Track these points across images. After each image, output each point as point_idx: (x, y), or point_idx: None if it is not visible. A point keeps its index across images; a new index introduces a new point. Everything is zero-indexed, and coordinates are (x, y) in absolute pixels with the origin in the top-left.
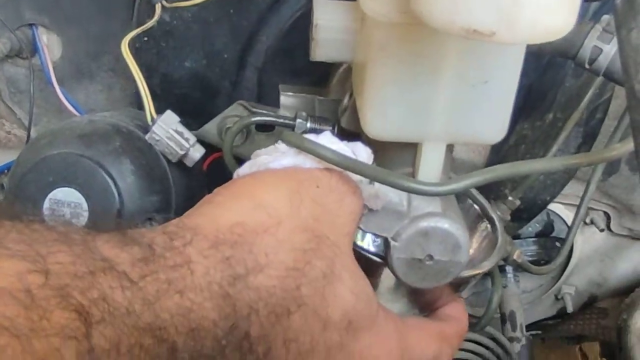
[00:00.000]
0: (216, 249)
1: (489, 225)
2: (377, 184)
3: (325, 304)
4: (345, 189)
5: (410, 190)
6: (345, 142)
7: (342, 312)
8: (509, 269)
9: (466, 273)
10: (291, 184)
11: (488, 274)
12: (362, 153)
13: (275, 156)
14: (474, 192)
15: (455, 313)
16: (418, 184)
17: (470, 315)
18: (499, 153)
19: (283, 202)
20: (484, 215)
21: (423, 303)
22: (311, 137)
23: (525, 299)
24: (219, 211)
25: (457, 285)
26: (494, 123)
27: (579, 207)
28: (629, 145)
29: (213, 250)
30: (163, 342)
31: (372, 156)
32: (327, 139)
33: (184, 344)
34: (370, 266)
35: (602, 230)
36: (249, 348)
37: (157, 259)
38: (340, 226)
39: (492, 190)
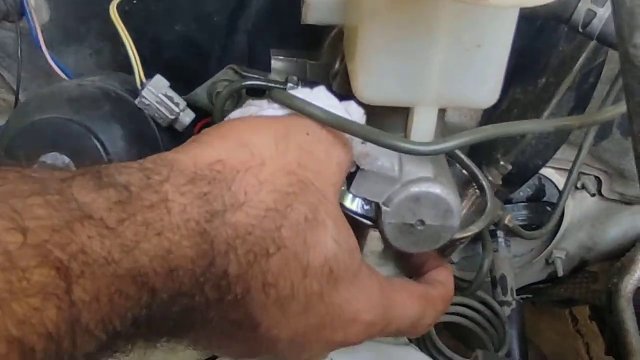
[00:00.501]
0: (193, 185)
1: (478, 190)
2: (368, 144)
3: (306, 250)
4: (335, 140)
5: (401, 150)
6: (338, 101)
7: (323, 260)
8: (499, 233)
9: (456, 235)
10: (280, 128)
11: (479, 239)
12: (355, 112)
13: (267, 107)
14: (464, 157)
15: (442, 277)
16: (408, 144)
17: (461, 280)
18: (491, 118)
19: (269, 144)
20: (473, 180)
21: (409, 267)
22: (306, 90)
23: (516, 263)
24: (201, 148)
25: (444, 249)
26: (486, 87)
27: (570, 171)
28: (621, 109)
29: (190, 186)
30: (143, 286)
31: (364, 116)
32: (322, 94)
33: (163, 284)
34: (355, 229)
35: (593, 195)
36: (227, 287)
37: (134, 200)
38: (327, 175)
39: (484, 155)
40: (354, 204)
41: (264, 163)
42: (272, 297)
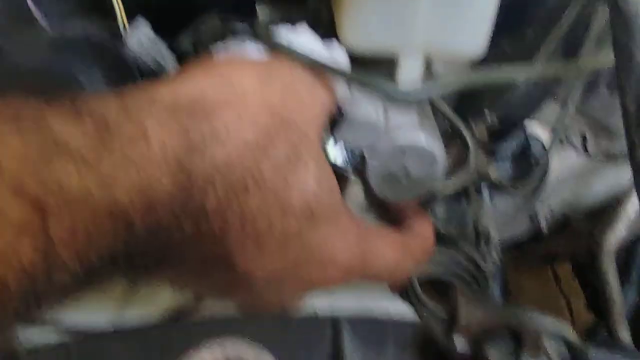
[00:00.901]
0: (174, 119)
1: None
2: (353, 90)
3: (286, 189)
4: (319, 82)
5: (386, 95)
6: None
7: (304, 200)
8: (484, 188)
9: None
10: (264, 68)
11: (464, 194)
12: (338, 53)
13: (251, 47)
14: (447, 109)
15: (422, 229)
16: (392, 87)
17: (444, 234)
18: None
19: (252, 82)
20: (456, 134)
21: (389, 218)
22: (289, 30)
23: (499, 218)
24: (182, 82)
25: (425, 200)
26: (473, 37)
27: (556, 127)
28: (608, 58)
29: (170, 119)
30: (121, 222)
31: (347, 59)
32: (306, 34)
33: (142, 220)
34: (337, 179)
35: (578, 151)
36: (205, 223)
37: (112, 132)
38: (310, 115)
39: (469, 109)
40: (337, 153)
41: (246, 100)
42: (250, 234)
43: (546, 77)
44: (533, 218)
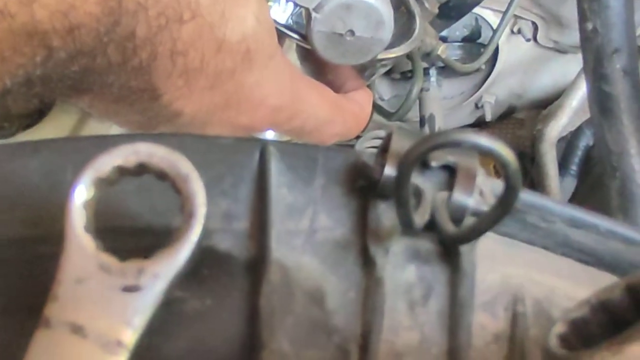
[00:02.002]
0: None
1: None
2: None
3: (224, 23)
4: None
5: None
6: None
7: (241, 37)
8: (432, 72)
9: (379, 55)
10: None
11: (410, 77)
12: None
13: None
14: None
15: (359, 98)
16: None
17: (387, 111)
18: None
19: None
20: (401, 1)
21: (328, 85)
22: None
23: (445, 104)
24: None
25: (365, 68)
26: None
27: (506, 9)
28: None
29: None
30: (39, 44)
31: None
32: None
33: (62, 43)
34: None
35: (528, 40)
36: (132, 50)
37: None
38: None
39: None
40: (283, 13)
41: None
42: (179, 67)
43: None
44: (478, 106)
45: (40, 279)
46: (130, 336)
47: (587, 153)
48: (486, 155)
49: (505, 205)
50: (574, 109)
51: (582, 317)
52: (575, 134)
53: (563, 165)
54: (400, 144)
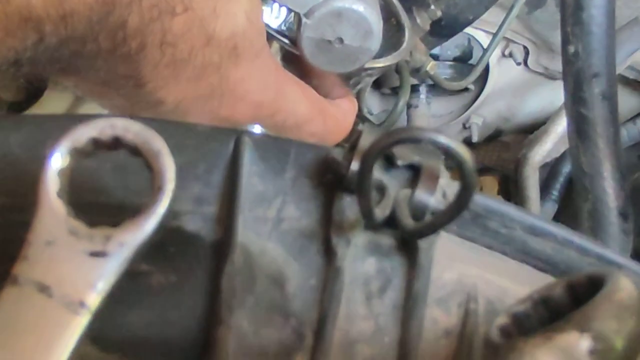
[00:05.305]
0: None
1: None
2: None
3: (215, 18)
4: None
5: None
6: None
7: (230, 33)
8: (422, 89)
9: (366, 64)
10: None
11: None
12: None
13: None
14: None
15: (344, 106)
16: None
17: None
18: None
19: None
20: (392, 15)
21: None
22: None
23: (433, 122)
24: None
25: (350, 77)
26: None
27: (497, 30)
28: None
29: None
30: (31, 29)
31: None
32: None
33: (54, 29)
34: None
35: (518, 64)
36: (122, 39)
37: None
38: None
39: None
40: (276, 19)
41: None
42: (167, 57)
43: None
44: (466, 126)
45: (14, 245)
46: (93, 299)
47: (569, 179)
48: (444, 153)
49: (460, 203)
50: (559, 134)
51: (523, 312)
52: (559, 159)
53: (545, 189)
54: (368, 141)
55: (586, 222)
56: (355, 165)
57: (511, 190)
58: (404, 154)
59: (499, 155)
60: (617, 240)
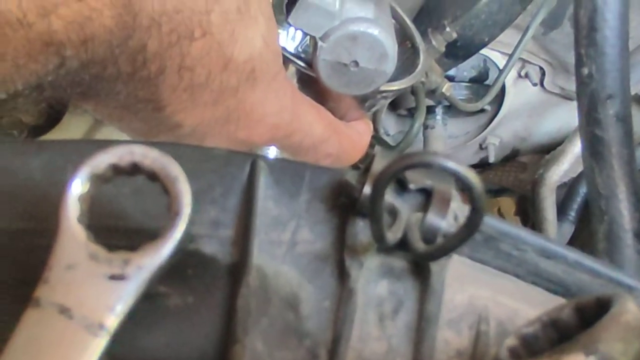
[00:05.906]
0: None
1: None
2: None
3: (232, 42)
4: None
5: None
6: None
7: (247, 57)
8: (438, 110)
9: (381, 87)
10: None
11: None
12: None
13: None
14: (401, 12)
15: (359, 127)
16: None
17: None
18: None
19: None
20: (407, 37)
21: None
22: None
23: (450, 143)
24: None
25: (366, 99)
26: None
27: (513, 51)
28: None
29: None
30: (53, 53)
31: None
32: None
33: (76, 53)
34: None
35: (535, 85)
36: (142, 63)
37: None
38: None
39: (431, 21)
40: (292, 42)
41: None
42: (185, 81)
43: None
44: (482, 147)
45: (35, 269)
46: (112, 321)
47: (586, 199)
48: (454, 177)
49: (470, 227)
50: (575, 155)
51: (532, 333)
52: (576, 180)
53: (562, 210)
54: (381, 165)
55: (602, 244)
56: (367, 189)
57: (528, 211)
58: (416, 178)
59: (516, 176)
60: (633, 261)
